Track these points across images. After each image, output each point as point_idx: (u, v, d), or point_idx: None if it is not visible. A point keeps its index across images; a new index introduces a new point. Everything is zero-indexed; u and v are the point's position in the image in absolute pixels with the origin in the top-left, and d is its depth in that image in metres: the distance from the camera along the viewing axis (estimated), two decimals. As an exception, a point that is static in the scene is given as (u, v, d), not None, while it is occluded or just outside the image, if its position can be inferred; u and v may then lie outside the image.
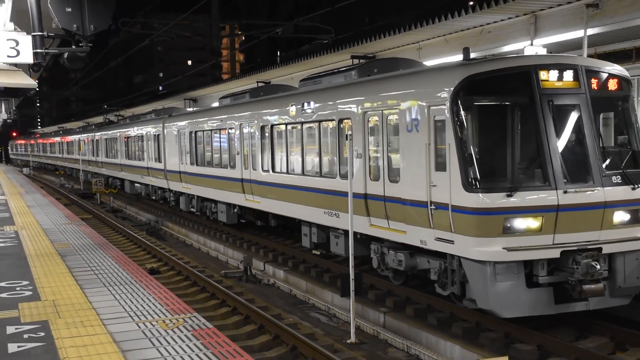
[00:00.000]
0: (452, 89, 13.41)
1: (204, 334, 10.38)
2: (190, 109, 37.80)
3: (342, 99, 18.10)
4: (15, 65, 16.53)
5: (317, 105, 19.18)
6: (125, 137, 44.47)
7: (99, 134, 55.23)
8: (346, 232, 17.33)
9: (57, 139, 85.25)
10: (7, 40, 14.13)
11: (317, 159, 19.80)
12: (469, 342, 13.82)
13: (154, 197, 39.90)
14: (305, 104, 19.66)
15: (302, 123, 20.20)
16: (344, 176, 17.26)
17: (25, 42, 14.18)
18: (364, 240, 17.68)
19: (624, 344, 13.25)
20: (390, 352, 14.71)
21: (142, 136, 39.58)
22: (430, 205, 14.01)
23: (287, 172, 21.44)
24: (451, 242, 13.52)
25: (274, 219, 24.70)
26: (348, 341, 14.87)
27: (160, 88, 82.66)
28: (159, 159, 36.03)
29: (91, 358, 9.22)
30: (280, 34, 36.59)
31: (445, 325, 14.97)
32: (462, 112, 13.30)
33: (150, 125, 38.04)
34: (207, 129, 28.95)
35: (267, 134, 22.84)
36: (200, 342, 9.93)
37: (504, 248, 12.74)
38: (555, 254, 12.94)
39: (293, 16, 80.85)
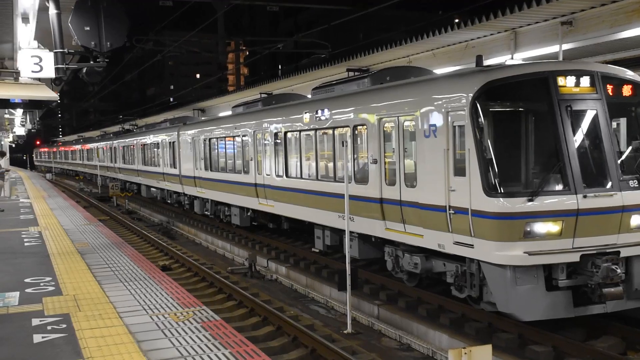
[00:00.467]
0: (472, 94, 12.66)
1: (212, 326, 10.38)
2: (204, 118, 37.04)
3: (357, 106, 17.29)
4: (39, 79, 16.59)
5: (331, 112, 18.41)
6: (141, 145, 43.93)
7: (116, 142, 54.71)
8: (360, 235, 17.21)
9: (78, 146, 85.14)
10: (32, 56, 14.25)
11: (331, 164, 19.00)
12: (456, 331, 13.80)
13: (169, 201, 39.28)
14: (320, 112, 18.88)
15: (316, 130, 19.44)
16: (359, 181, 16.92)
17: (48, 58, 14.29)
18: (376, 243, 17.14)
19: (635, 344, 12.60)
20: (384, 341, 14.69)
21: (158, 143, 39.04)
22: (449, 210, 13.28)
23: (301, 177, 20.62)
24: (471, 246, 12.80)
25: (287, 222, 23.95)
26: (345, 331, 14.86)
27: (171, 99, 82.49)
28: (174, 165, 35.47)
29: (109, 348, 9.22)
30: (281, 49, 36.62)
31: (434, 316, 14.97)
32: (483, 118, 12.54)
33: (166, 133, 37.51)
34: (221, 136, 28.22)
35: (280, 141, 21.91)
36: (209, 333, 9.94)
37: (524, 252, 12.06)
38: (575, 257, 12.26)
39: (293, 33, 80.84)
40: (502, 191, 12.33)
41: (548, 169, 12.66)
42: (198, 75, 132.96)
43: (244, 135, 25.16)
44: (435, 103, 13.73)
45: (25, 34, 14.95)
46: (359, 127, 17.11)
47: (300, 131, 20.48)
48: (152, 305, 11.69)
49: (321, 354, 12.77)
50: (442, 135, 13.40)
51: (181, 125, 34.85)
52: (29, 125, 50.58)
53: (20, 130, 51.20)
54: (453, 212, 13.15)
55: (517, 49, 17.25)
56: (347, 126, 17.58)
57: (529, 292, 12.18)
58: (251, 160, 24.36)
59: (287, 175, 21.53)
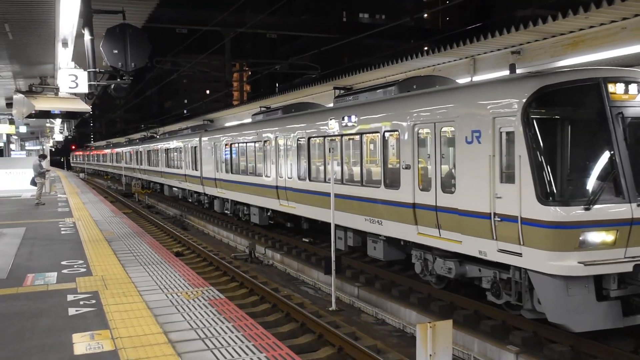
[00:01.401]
0: (524, 100, 10.94)
1: (217, 303, 10.42)
2: (227, 124, 35.48)
3: (388, 112, 15.29)
4: (75, 94, 16.68)
5: (359, 118, 16.49)
6: (165, 149, 42.67)
7: (142, 146, 53.63)
8: (388, 239, 15.61)
9: (107, 150, 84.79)
10: (69, 75, 14.34)
11: (357, 169, 17.05)
12: (423, 309, 13.92)
13: (190, 200, 38.08)
14: (346, 118, 16.98)
15: (342, 135, 17.50)
16: (389, 185, 15.04)
17: (83, 76, 14.38)
18: (402, 246, 15.53)
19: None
20: (363, 317, 14.79)
21: (180, 148, 37.83)
22: (494, 217, 11.49)
23: (325, 181, 18.40)
24: (518, 254, 11.05)
25: (307, 222, 22.21)
26: (330, 309, 14.97)
27: (185, 111, 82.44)
28: (195, 167, 34.16)
29: (131, 320, 9.28)
30: (278, 69, 36.69)
31: (405, 296, 15.05)
32: (535, 124, 10.86)
33: (188, 139, 36.05)
34: (242, 141, 26.10)
35: (303, 146, 19.91)
36: (215, 309, 9.98)
37: (579, 262, 10.40)
38: (628, 267, 10.60)
39: (288, 56, 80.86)
40: (557, 199, 10.66)
41: (602, 177, 10.86)
42: (208, 91, 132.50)
43: (265, 141, 23.25)
44: (480, 109, 12.02)
45: (64, 56, 15.08)
46: (389, 133, 15.22)
47: (324, 137, 18.58)
48: (167, 285, 11.73)
49: (310, 327, 12.85)
50: (487, 142, 11.70)
51: (203, 132, 33.59)
52: (66, 133, 50.81)
53: (59, 137, 51.46)
54: (499, 219, 11.42)
55: (476, 72, 17.29)
56: (377, 132, 15.69)
57: (580, 303, 10.68)
58: (273, 163, 22.45)
59: (310, 179, 19.65)
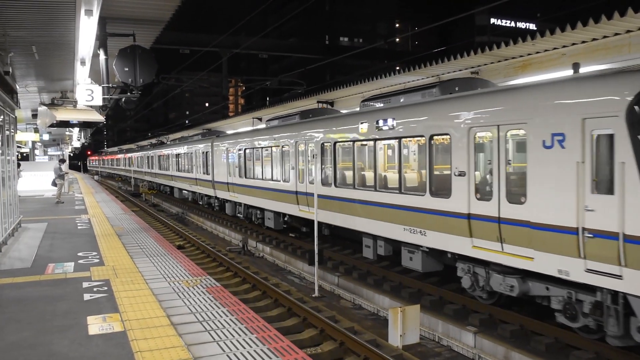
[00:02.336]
0: (629, 98, 8.26)
1: (214, 290, 10.41)
2: (241, 130, 31.98)
3: (435, 114, 12.48)
4: (91, 106, 16.69)
5: (397, 121, 13.56)
6: (176, 154, 40.34)
7: (153, 152, 51.32)
8: (431, 250, 12.97)
9: (120, 155, 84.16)
10: (86, 89, 14.37)
11: (394, 175, 14.26)
12: (395, 295, 13.95)
13: (200, 202, 35.13)
14: (382, 121, 14.15)
15: (375, 140, 14.64)
16: (435, 194, 12.24)
17: (97, 91, 14.40)
18: (439, 257, 13.17)
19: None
20: (342, 302, 14.82)
21: (191, 153, 35.42)
22: (583, 232, 8.84)
23: (354, 187, 15.51)
24: (617, 276, 8.39)
25: (327, 229, 19.36)
26: (313, 295, 14.99)
27: (187, 122, 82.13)
28: (207, 172, 31.51)
29: (138, 305, 9.26)
30: (269, 85, 36.61)
31: (379, 284, 15.09)
32: None
33: (200, 144, 33.39)
34: (257, 146, 23.12)
35: (328, 151, 17.10)
36: (212, 296, 9.97)
37: None
38: None
39: (278, 73, 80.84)
40: None
41: None
42: (207, 104, 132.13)
43: (284, 146, 20.21)
44: (563, 109, 9.29)
45: (82, 73, 15.09)
46: (438, 137, 12.40)
47: (354, 141, 15.72)
48: (169, 274, 11.70)
49: (295, 311, 12.85)
50: (574, 146, 9.06)
51: (215, 137, 31.12)
52: (82, 140, 50.60)
53: (76, 144, 51.43)
54: (590, 235, 8.77)
55: (441, 90, 17.32)
56: (422, 136, 12.83)
57: None
58: (292, 169, 19.59)
59: (335, 185, 16.71)
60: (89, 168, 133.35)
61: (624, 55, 11.54)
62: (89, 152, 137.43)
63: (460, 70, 15.93)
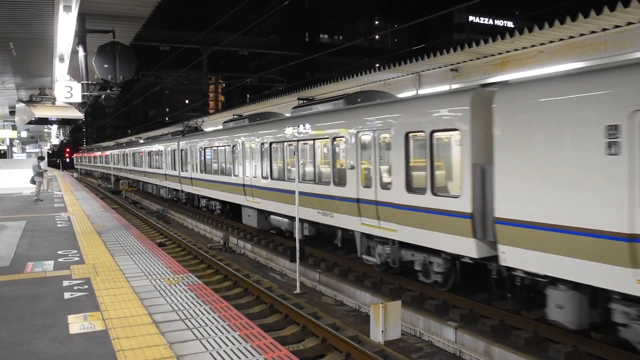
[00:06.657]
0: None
1: (195, 288, 10.35)
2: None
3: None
4: (70, 103, 16.55)
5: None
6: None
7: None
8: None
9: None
10: (65, 86, 14.24)
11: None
12: (376, 291, 13.96)
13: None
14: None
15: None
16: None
17: (77, 87, 14.28)
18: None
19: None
20: (324, 299, 14.80)
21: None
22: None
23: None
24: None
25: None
26: (295, 292, 14.95)
27: (167, 119, 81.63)
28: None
29: (119, 303, 9.17)
30: (249, 82, 36.55)
31: (360, 280, 15.10)
32: None
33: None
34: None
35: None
36: (194, 294, 9.92)
37: None
38: None
39: (258, 70, 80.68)
40: None
41: None
42: (187, 101, 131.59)
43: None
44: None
45: (61, 70, 14.90)
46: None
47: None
48: (151, 272, 11.62)
49: (277, 308, 12.81)
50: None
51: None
52: (61, 137, 50.14)
53: (55, 141, 51.16)
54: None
55: (421, 86, 17.37)
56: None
57: None
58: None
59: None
60: (76, 166, 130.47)
61: (600, 53, 11.67)
62: (67, 150, 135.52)
63: (440, 67, 16.01)
